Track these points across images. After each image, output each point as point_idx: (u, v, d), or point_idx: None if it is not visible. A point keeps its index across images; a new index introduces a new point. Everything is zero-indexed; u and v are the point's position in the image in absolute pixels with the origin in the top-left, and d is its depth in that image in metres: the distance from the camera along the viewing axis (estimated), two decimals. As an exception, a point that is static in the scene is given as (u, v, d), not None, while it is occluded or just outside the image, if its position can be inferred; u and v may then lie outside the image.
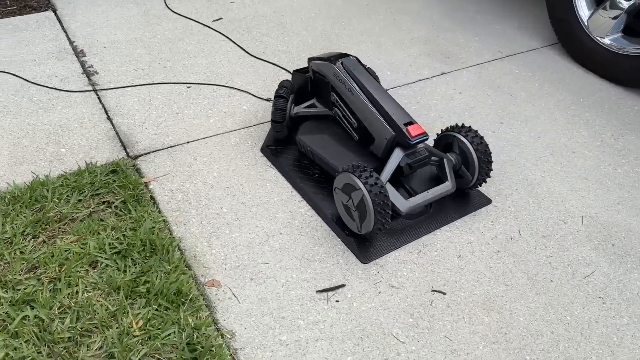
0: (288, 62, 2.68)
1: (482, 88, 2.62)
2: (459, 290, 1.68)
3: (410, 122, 1.82)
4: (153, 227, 1.73)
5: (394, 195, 1.76)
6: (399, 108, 1.86)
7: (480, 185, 1.95)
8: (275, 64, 2.65)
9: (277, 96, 2.04)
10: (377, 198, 1.65)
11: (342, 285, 1.66)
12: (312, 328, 1.54)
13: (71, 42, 2.69)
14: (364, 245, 1.77)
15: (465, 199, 1.98)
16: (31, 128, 2.14)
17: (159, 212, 1.84)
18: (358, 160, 1.89)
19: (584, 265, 1.79)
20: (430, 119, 2.37)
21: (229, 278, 1.65)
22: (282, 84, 2.06)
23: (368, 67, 2.16)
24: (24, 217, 1.74)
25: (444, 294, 1.66)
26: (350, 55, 2.02)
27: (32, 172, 1.92)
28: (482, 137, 1.88)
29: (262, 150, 2.13)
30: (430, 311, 1.61)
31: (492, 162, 1.88)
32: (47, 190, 1.83)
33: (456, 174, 1.93)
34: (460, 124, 1.93)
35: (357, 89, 1.91)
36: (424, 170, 1.98)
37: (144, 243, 1.67)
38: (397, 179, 1.92)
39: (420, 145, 1.84)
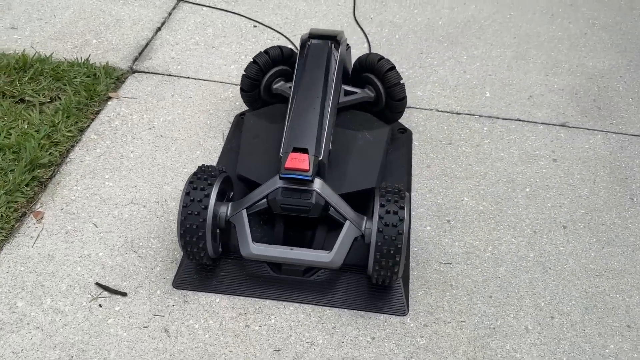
0: (384, 38, 2.16)
1: (597, 168, 1.68)
2: (225, 388, 1.19)
3: (303, 150, 1.28)
4: (45, 138, 1.67)
5: (242, 232, 1.30)
6: (312, 127, 1.32)
7: (379, 283, 1.29)
8: (366, 35, 2.17)
9: (252, 61, 1.66)
10: (189, 220, 1.24)
11: (124, 294, 1.35)
12: (48, 314, 1.30)
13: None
14: (193, 268, 1.39)
15: (372, 290, 1.35)
16: (97, 14, 2.24)
17: (85, 127, 1.75)
18: (267, 172, 1.44)
19: None
20: (461, 174, 1.65)
21: (54, 219, 1.50)
22: (268, 50, 1.66)
23: (384, 61, 1.59)
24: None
25: (204, 379, 1.21)
26: (335, 39, 1.49)
27: (32, 46, 2.03)
28: (401, 218, 1.21)
29: (236, 117, 1.80)
30: (163, 385, 1.19)
31: (398, 259, 1.21)
32: (33, 68, 1.91)
33: (368, 249, 1.32)
34: (396, 186, 1.28)
35: (296, 83, 1.42)
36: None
37: (19, 147, 1.62)
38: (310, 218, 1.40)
39: (316, 187, 1.29)
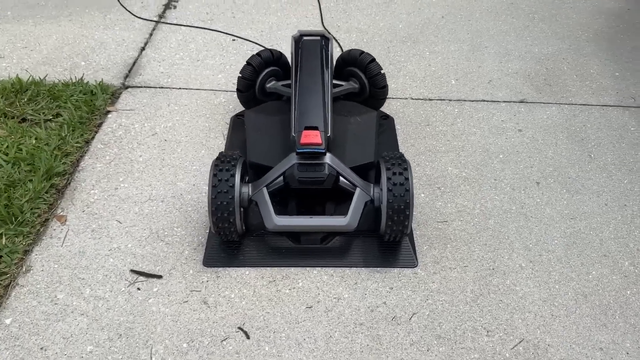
0: (354, 42, 2.37)
1: (556, 134, 1.93)
2: (269, 343, 1.32)
3: (313, 128, 1.45)
4: (57, 149, 1.76)
5: (265, 207, 1.44)
6: (318, 108, 1.50)
7: (394, 239, 1.47)
8: (337, 41, 2.38)
9: (246, 63, 1.83)
10: (219, 198, 1.38)
11: (159, 277, 1.46)
12: (90, 301, 1.39)
13: (184, -23, 2.84)
14: (219, 247, 1.51)
15: (383, 247, 1.52)
16: (81, 39, 2.35)
17: (91, 139, 1.85)
18: (276, 155, 1.59)
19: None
20: (442, 148, 1.86)
21: (78, 220, 1.59)
22: (260, 52, 1.83)
23: (373, 61, 1.78)
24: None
25: (248, 337, 1.33)
26: (324, 37, 1.68)
27: (26, 70, 2.12)
28: (407, 177, 1.39)
29: (232, 117, 1.95)
30: (212, 348, 1.31)
31: (407, 212, 1.39)
32: (30, 90, 2.00)
33: (377, 214, 1.49)
34: (397, 153, 1.46)
35: (296, 73, 1.59)
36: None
37: (33, 159, 1.71)
38: (323, 193, 1.55)
39: (327, 160, 1.46)
